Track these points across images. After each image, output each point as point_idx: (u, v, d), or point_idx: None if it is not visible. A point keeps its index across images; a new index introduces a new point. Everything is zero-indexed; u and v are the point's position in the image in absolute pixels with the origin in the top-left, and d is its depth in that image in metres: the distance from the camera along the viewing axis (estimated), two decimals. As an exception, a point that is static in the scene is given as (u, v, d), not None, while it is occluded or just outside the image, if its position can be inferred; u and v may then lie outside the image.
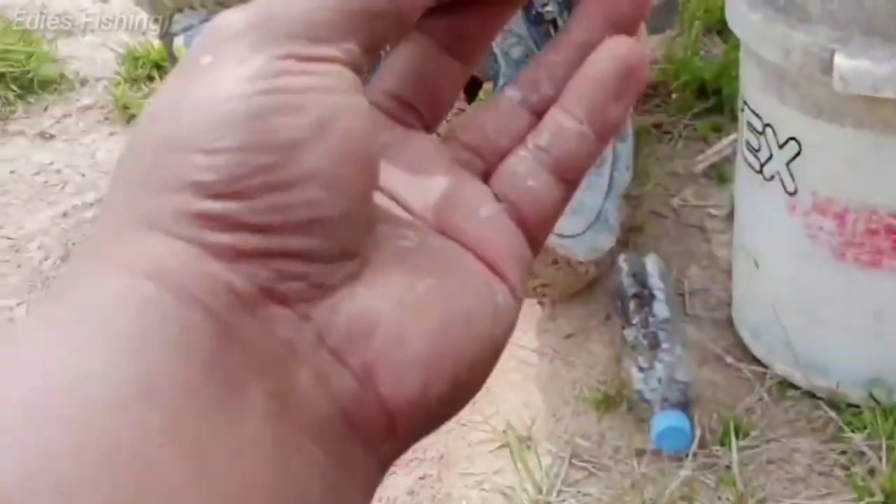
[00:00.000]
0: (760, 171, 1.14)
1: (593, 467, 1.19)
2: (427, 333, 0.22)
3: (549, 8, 1.23)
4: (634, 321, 1.27)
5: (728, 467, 1.16)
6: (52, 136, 1.74)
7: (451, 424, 1.28)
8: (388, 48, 0.26)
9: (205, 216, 0.20)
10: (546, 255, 1.23)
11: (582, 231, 1.37)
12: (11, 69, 1.82)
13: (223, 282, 0.20)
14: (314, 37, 0.21)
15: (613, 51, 0.25)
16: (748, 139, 1.15)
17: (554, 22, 1.24)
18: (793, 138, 1.07)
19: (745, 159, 1.16)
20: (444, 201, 0.24)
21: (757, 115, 1.11)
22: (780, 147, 1.09)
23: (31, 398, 0.17)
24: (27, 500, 0.16)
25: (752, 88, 1.12)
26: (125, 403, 0.18)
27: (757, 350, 1.27)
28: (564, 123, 0.25)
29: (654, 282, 1.31)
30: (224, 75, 0.20)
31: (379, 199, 0.24)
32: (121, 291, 0.19)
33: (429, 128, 0.27)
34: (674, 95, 1.60)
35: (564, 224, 1.34)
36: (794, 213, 1.12)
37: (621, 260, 1.35)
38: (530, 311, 1.39)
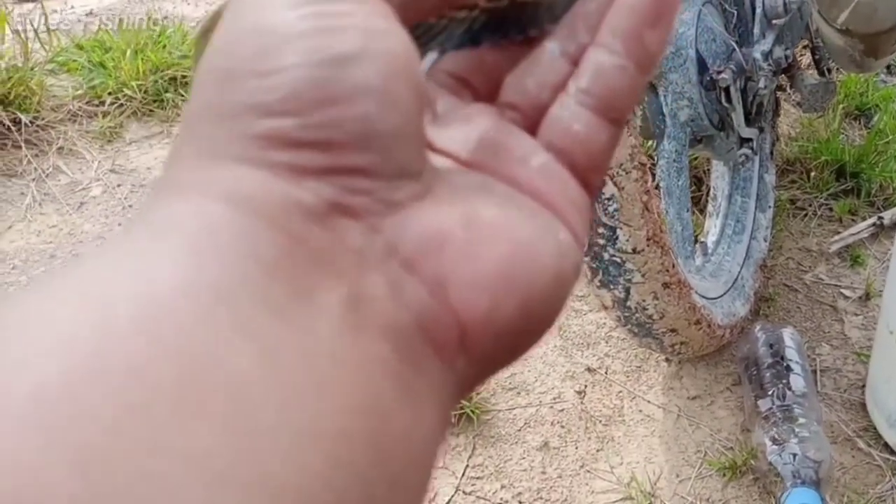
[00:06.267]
0: (925, 259, 1.14)
1: (720, 533, 1.19)
2: (496, 256, 0.22)
3: (723, 76, 1.24)
4: (770, 392, 1.26)
5: (859, 552, 1.15)
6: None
7: (575, 469, 1.28)
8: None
9: (265, 136, 0.20)
10: (692, 313, 1.23)
11: (720, 295, 1.38)
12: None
13: (291, 197, 0.20)
14: None
15: None
16: (916, 226, 1.15)
17: (727, 90, 1.25)
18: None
19: (910, 245, 1.16)
20: (495, 153, 0.24)
21: (931, 204, 1.12)
22: (954, 238, 1.10)
23: (101, 301, 0.17)
24: (97, 380, 0.16)
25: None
26: (195, 302, 0.17)
27: (891, 437, 1.26)
28: (602, 60, 0.25)
29: (792, 354, 1.31)
30: (270, 3, 0.21)
31: (434, 157, 0.24)
32: (193, 211, 0.19)
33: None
34: (812, 174, 1.60)
35: (706, 286, 1.35)
36: (957, 304, 1.12)
37: (757, 329, 1.35)
38: (657, 368, 1.39)
